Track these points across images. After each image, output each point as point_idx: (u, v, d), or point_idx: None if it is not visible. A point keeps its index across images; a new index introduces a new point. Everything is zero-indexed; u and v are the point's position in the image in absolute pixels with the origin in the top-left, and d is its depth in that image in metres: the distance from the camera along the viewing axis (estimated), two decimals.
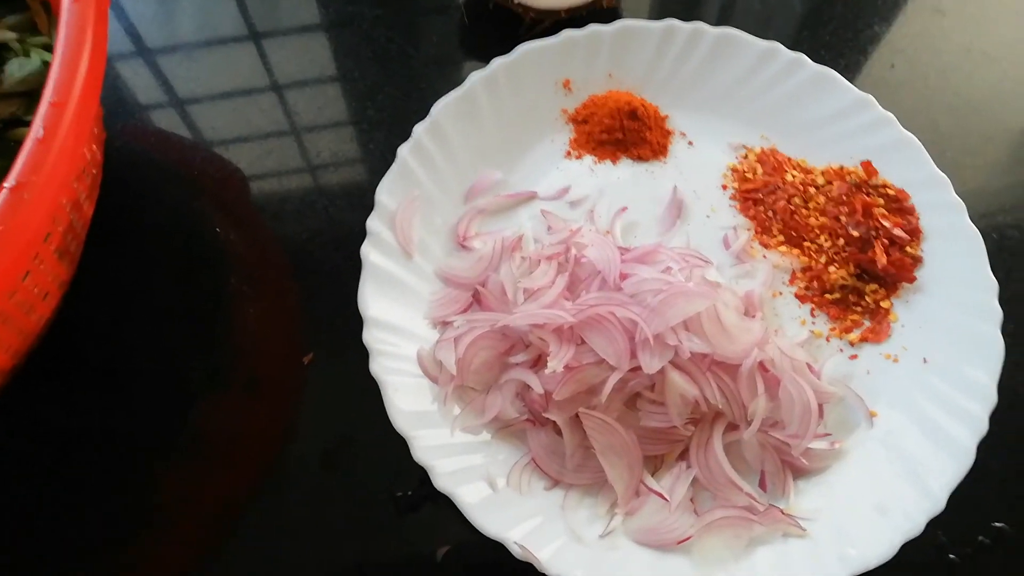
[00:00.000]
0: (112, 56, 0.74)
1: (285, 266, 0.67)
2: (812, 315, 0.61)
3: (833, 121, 0.67)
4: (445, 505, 0.51)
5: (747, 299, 0.60)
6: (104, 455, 0.58)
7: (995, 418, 0.53)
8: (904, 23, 0.78)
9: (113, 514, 0.56)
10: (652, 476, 0.54)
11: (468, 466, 0.53)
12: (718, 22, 0.70)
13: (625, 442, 0.54)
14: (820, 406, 0.55)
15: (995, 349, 0.56)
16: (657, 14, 0.79)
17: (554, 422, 0.54)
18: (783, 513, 0.52)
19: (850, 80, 0.67)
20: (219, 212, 0.69)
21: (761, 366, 0.54)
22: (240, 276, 0.66)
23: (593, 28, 0.68)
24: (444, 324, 0.60)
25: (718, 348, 0.54)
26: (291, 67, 0.75)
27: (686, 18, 0.69)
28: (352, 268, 0.58)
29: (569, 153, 0.68)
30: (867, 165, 0.65)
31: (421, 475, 0.52)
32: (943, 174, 0.63)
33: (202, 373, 0.61)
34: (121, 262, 0.65)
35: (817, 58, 0.68)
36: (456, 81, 0.66)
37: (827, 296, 0.61)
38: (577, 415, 0.54)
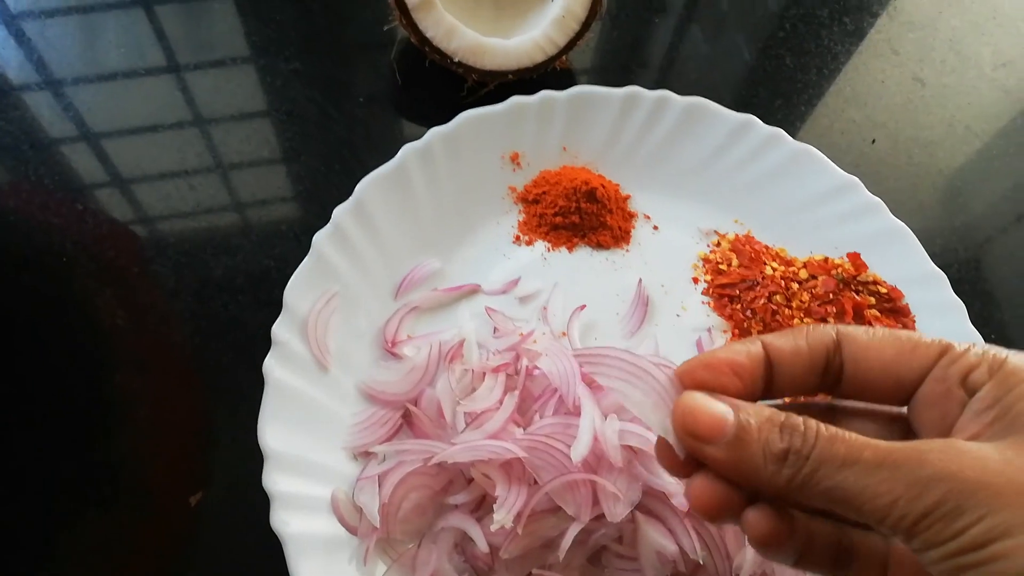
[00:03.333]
0: None
1: (187, 377, 0.55)
2: None
3: (815, 205, 0.59)
4: None
5: None
6: None
7: None
8: (883, 94, 0.71)
9: None
10: None
11: None
12: (662, 73, 0.61)
13: None
14: None
15: None
16: (599, 64, 0.71)
17: None
18: None
19: (827, 155, 0.59)
20: (109, 307, 0.56)
21: None
22: (128, 375, 0.54)
23: (545, 94, 0.60)
24: (367, 455, 0.49)
25: None
26: (191, 138, 0.63)
27: (631, 71, 0.60)
28: (255, 382, 0.48)
29: (518, 238, 0.59)
30: (855, 258, 0.58)
31: None
32: (939, 270, 0.56)
33: (71, 498, 0.49)
34: None
35: (793, 131, 0.61)
36: (385, 152, 0.56)
37: None
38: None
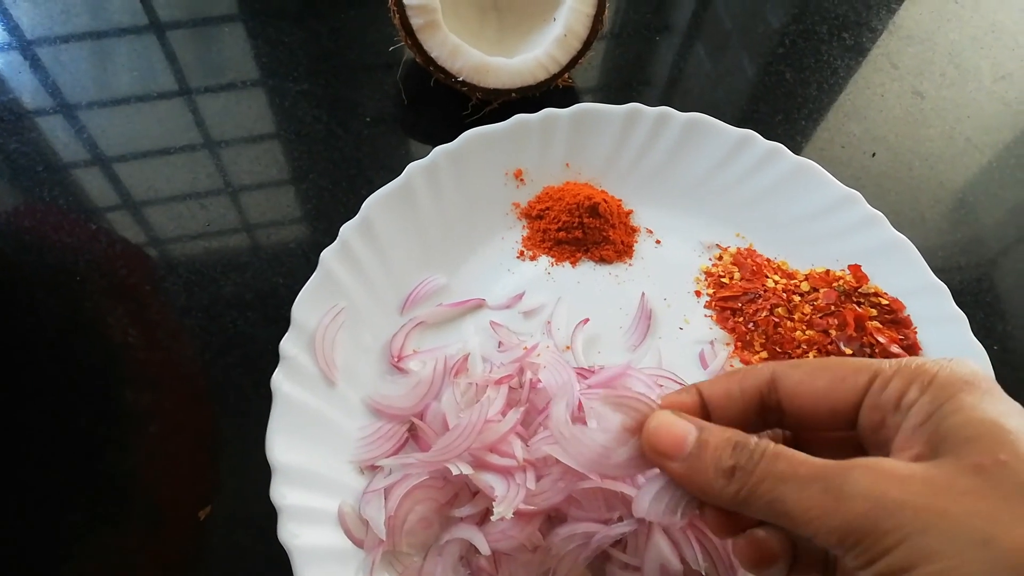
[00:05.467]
0: None
1: (197, 392, 0.56)
2: None
3: (816, 219, 0.60)
4: None
5: None
6: None
7: None
8: (883, 108, 0.72)
9: None
10: None
11: None
12: (664, 91, 0.62)
13: None
14: None
15: None
16: (603, 83, 0.72)
17: None
18: None
19: (828, 169, 0.60)
20: (120, 324, 0.57)
21: None
22: (143, 404, 0.55)
23: (548, 112, 0.61)
24: (373, 469, 0.50)
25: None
26: (200, 160, 0.65)
27: (634, 89, 0.61)
28: (263, 397, 0.48)
29: (522, 253, 0.60)
30: (856, 270, 0.58)
31: None
32: (940, 282, 0.56)
33: (84, 513, 0.50)
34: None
35: (794, 146, 0.61)
36: (391, 170, 0.57)
37: None
38: None
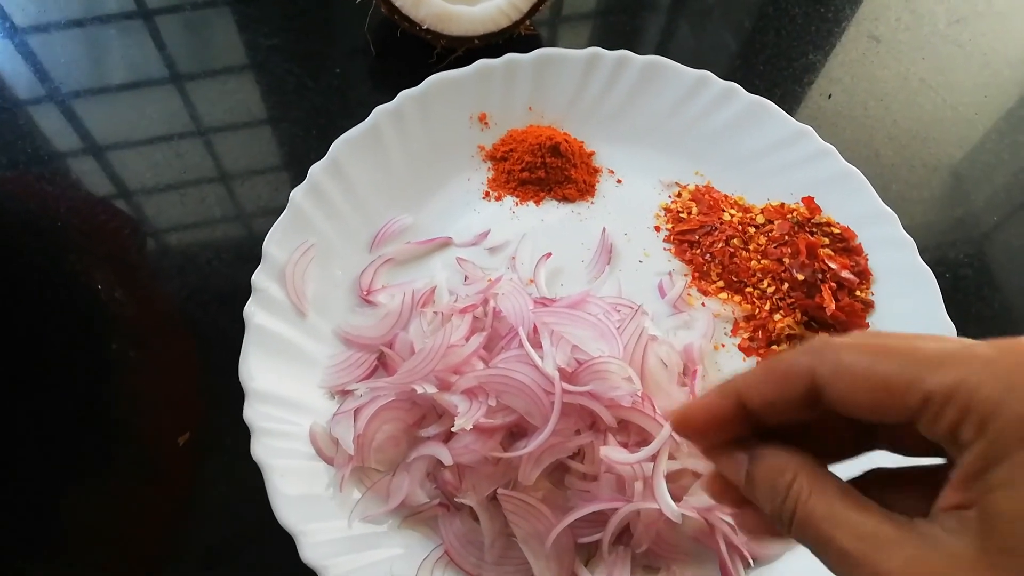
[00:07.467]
0: None
1: (175, 328, 0.58)
2: None
3: (770, 154, 0.62)
4: None
5: (686, 353, 0.54)
6: None
7: None
8: (840, 51, 0.74)
9: None
10: (585, 566, 0.47)
11: (368, 563, 0.45)
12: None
13: (552, 527, 0.46)
14: None
15: None
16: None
17: (471, 507, 0.47)
18: None
19: (785, 110, 0.62)
20: (102, 268, 0.59)
21: None
22: (124, 341, 0.57)
23: (510, 57, 0.63)
24: (344, 394, 0.52)
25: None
26: (174, 106, 0.67)
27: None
28: (239, 330, 0.50)
29: (487, 194, 0.62)
30: (809, 201, 0.60)
31: None
32: (889, 209, 0.58)
33: (77, 455, 0.52)
34: None
35: (751, 88, 0.63)
36: (361, 118, 0.59)
37: (774, 347, 0.56)
38: (496, 497, 0.47)
